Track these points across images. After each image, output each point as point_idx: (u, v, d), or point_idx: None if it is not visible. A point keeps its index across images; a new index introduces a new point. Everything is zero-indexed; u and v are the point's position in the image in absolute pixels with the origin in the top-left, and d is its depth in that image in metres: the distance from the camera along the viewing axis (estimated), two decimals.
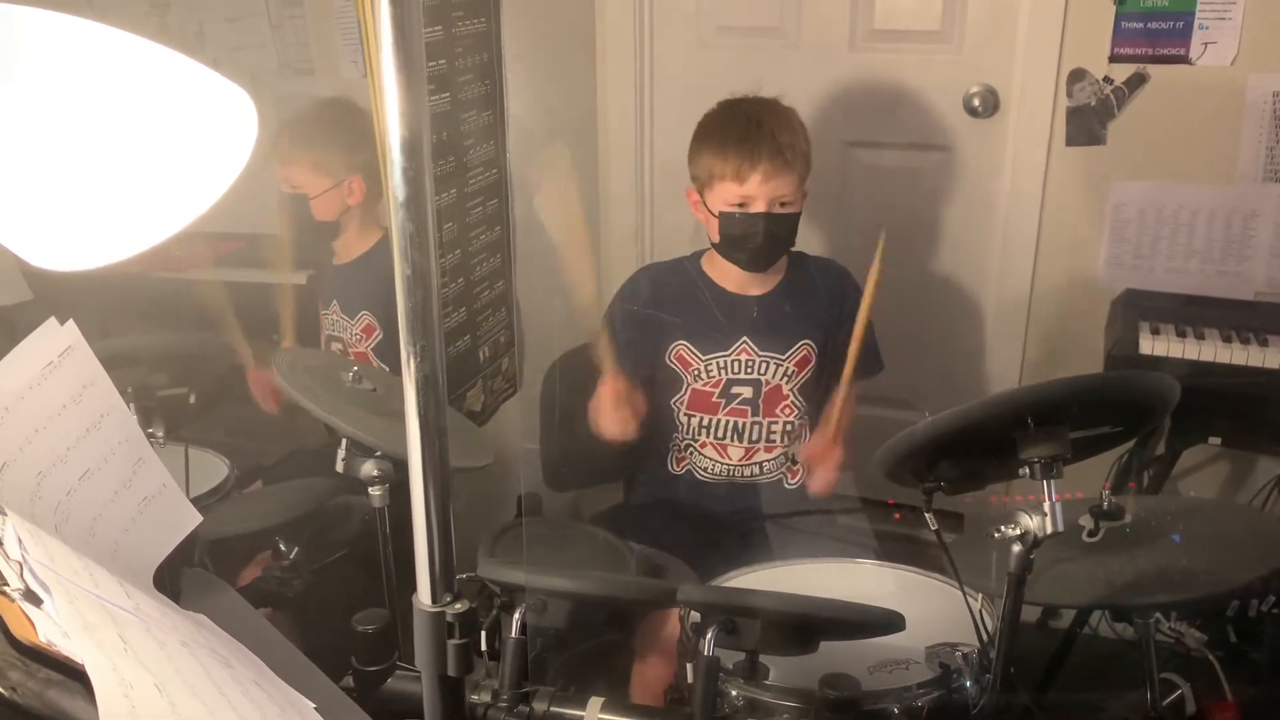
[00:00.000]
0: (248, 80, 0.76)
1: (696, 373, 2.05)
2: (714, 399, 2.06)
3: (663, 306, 2.06)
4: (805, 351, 2.06)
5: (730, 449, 2.08)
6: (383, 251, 2.23)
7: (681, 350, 2.05)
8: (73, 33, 0.67)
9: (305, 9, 2.85)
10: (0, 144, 0.65)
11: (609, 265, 2.99)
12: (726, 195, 1.92)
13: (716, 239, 1.98)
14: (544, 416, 2.27)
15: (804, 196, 1.99)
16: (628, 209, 2.96)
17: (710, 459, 2.09)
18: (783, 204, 1.92)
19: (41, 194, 0.66)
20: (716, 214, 1.94)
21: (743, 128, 1.92)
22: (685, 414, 2.08)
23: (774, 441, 2.08)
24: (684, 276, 2.08)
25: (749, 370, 2.05)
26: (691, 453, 2.11)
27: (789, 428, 2.08)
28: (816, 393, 2.09)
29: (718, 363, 2.05)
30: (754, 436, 2.07)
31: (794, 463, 2.10)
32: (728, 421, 2.07)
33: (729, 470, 2.09)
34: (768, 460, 2.08)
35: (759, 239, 1.92)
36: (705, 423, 2.07)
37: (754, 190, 1.90)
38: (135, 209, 0.67)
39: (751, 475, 2.09)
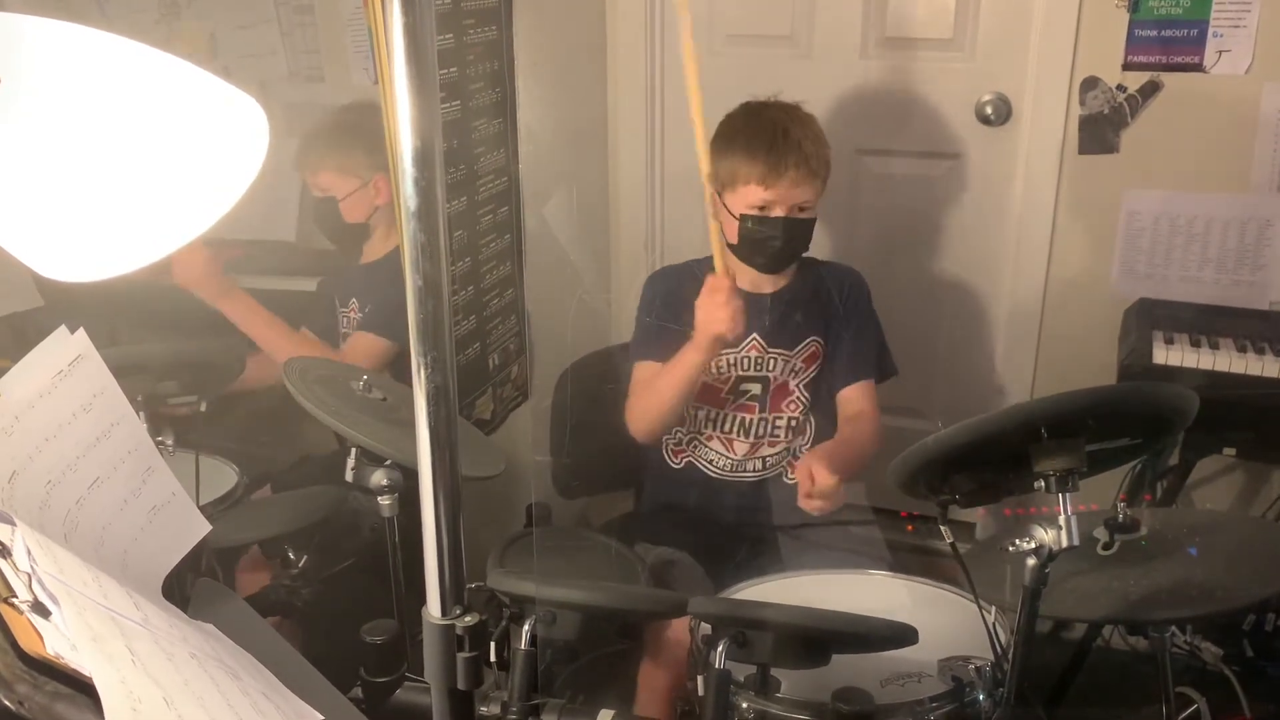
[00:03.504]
0: (257, 87, 0.76)
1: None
2: (723, 394, 2.07)
3: (682, 301, 2.04)
4: (814, 348, 2.07)
5: (736, 443, 2.09)
6: (400, 255, 2.24)
7: None
8: (83, 43, 0.67)
9: (316, 16, 2.86)
10: (11, 154, 0.64)
11: (620, 273, 2.99)
12: (749, 198, 1.93)
13: (735, 240, 1.97)
14: (555, 423, 2.27)
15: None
16: (638, 217, 2.95)
17: (717, 452, 2.10)
18: (802, 209, 1.94)
19: (52, 205, 0.66)
20: (737, 216, 1.95)
21: (771, 134, 1.93)
22: (694, 407, 2.09)
23: (778, 436, 2.08)
24: (698, 273, 2.05)
25: (758, 367, 2.06)
26: (696, 446, 2.12)
27: (793, 423, 2.08)
28: (821, 389, 2.10)
29: (728, 359, 2.06)
30: (759, 432, 2.08)
31: (794, 456, 2.10)
32: (734, 416, 2.08)
33: (734, 464, 2.09)
34: (771, 454, 2.09)
35: (778, 242, 1.95)
36: (712, 415, 2.09)
37: (778, 195, 1.91)
38: (146, 220, 0.67)
39: (755, 470, 2.09)
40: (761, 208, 1.93)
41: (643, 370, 2.06)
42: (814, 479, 1.79)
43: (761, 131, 1.94)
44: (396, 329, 2.09)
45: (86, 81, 0.66)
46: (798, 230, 1.96)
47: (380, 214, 2.26)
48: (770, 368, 2.06)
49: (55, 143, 0.65)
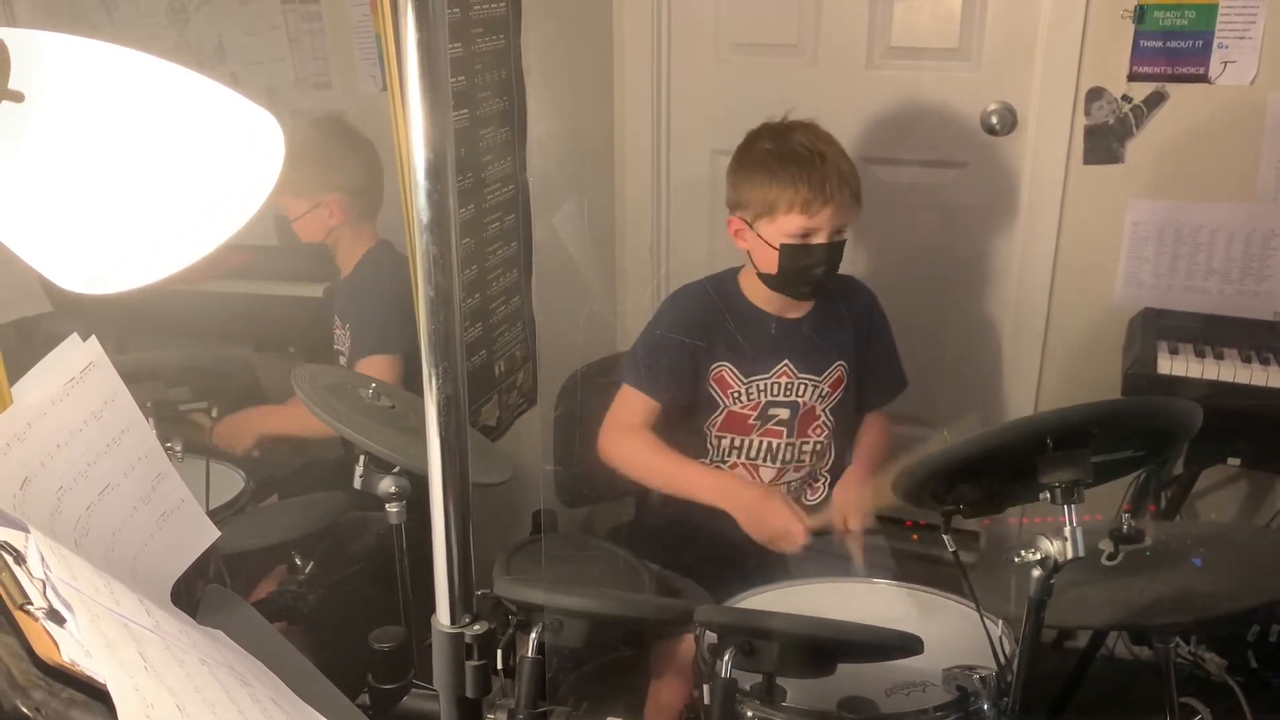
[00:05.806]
0: (265, 94, 0.77)
1: (736, 395, 2.03)
2: (750, 420, 2.04)
3: (706, 327, 2.02)
4: (839, 372, 2.06)
5: (762, 470, 2.06)
6: (367, 262, 2.20)
7: (723, 372, 2.02)
8: (101, 58, 0.68)
9: (324, 23, 2.87)
10: (32, 169, 0.65)
11: (625, 283, 3.00)
12: (788, 227, 1.90)
13: (774, 270, 1.94)
14: (561, 431, 2.26)
15: None
16: (644, 226, 2.96)
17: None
18: (839, 232, 1.93)
19: (73, 218, 0.66)
20: (777, 246, 1.91)
21: (808, 160, 1.89)
22: (717, 436, 2.06)
23: (803, 461, 2.07)
24: (724, 297, 2.05)
25: (788, 393, 2.03)
26: None
27: (818, 447, 2.07)
28: (845, 412, 2.09)
29: (758, 385, 2.03)
30: (786, 457, 2.06)
31: (814, 479, 2.10)
32: (761, 442, 2.05)
33: None
34: (795, 479, 2.08)
35: (820, 270, 1.93)
36: (737, 443, 2.06)
37: (822, 222, 1.89)
38: (166, 233, 0.67)
39: None
40: (803, 235, 1.90)
41: (630, 397, 2.02)
42: (849, 526, 1.88)
43: (797, 157, 1.90)
44: (392, 340, 2.06)
45: (105, 96, 0.67)
46: (836, 255, 1.94)
47: (338, 233, 2.19)
48: (800, 393, 2.04)
49: (74, 157, 0.65)
